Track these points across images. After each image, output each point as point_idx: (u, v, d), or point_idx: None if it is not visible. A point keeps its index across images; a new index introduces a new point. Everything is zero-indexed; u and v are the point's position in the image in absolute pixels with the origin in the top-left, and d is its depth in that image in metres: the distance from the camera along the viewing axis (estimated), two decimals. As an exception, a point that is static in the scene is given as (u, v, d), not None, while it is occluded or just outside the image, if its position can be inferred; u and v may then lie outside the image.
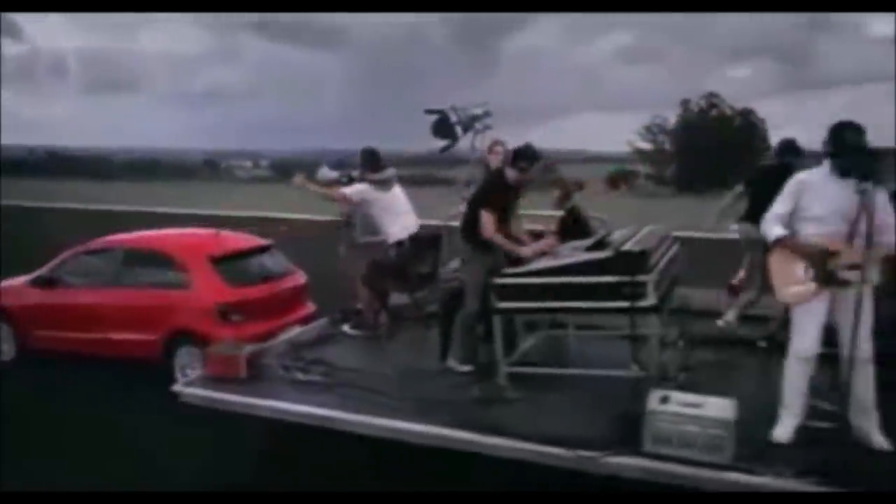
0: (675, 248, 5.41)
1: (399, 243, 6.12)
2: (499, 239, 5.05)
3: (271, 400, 4.89)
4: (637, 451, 4.00)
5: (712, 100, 48.05)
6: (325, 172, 6.57)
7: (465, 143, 7.58)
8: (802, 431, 4.16)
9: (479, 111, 8.35)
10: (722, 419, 3.90)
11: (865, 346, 3.99)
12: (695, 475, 3.85)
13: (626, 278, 4.41)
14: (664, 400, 4.08)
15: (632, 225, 5.48)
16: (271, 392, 5.03)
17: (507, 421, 4.44)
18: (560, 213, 7.99)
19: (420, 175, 32.47)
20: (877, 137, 4.17)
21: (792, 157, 6.82)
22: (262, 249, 7.68)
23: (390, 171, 6.35)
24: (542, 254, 5.16)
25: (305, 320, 7.21)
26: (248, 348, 5.43)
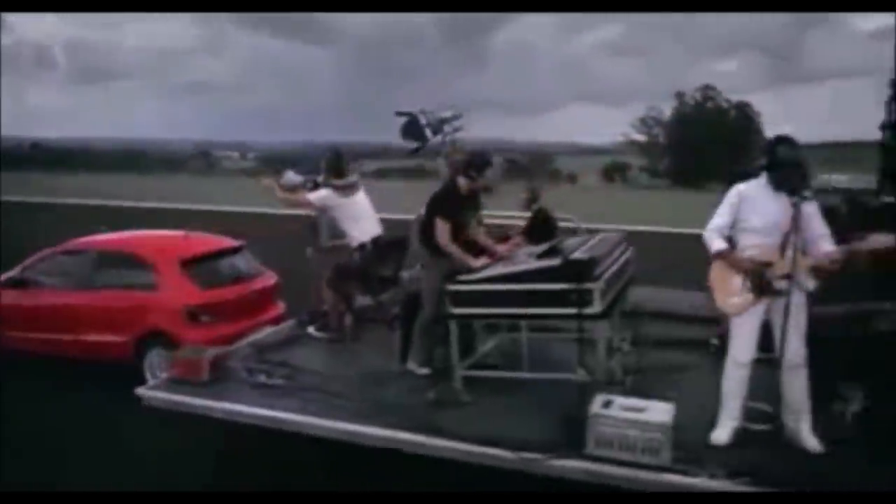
0: (628, 254, 5.56)
1: (361, 247, 6.23)
2: (451, 248, 5.17)
3: (230, 403, 5.00)
4: (581, 453, 4.15)
5: (708, 92, 48.14)
6: (291, 177, 6.67)
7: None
8: (741, 433, 4.32)
9: (448, 114, 8.47)
10: (660, 423, 4.04)
11: (798, 351, 4.15)
12: (635, 477, 4.00)
13: (573, 286, 4.55)
14: (607, 404, 4.23)
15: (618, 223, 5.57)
16: (232, 395, 5.14)
17: (459, 424, 4.56)
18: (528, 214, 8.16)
19: (412, 167, 32.57)
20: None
21: None
22: (233, 251, 7.78)
23: (353, 178, 6.45)
24: (500, 259, 5.29)
25: (276, 320, 7.32)
26: (212, 352, 5.54)
